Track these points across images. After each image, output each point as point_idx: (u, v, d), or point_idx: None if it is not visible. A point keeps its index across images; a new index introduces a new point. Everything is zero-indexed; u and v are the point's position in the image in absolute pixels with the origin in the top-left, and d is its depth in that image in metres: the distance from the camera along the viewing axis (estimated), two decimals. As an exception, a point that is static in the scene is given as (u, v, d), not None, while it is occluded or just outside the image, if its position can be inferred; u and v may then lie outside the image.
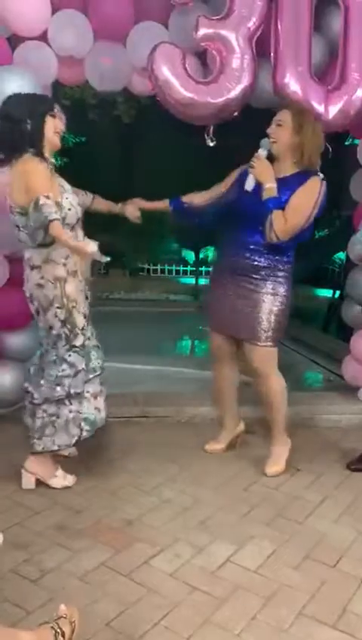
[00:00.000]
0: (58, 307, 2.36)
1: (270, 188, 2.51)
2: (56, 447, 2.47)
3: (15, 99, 2.33)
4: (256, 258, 2.63)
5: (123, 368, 4.21)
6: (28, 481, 2.52)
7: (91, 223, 2.60)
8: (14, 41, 2.83)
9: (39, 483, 2.53)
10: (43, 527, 2.24)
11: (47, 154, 2.36)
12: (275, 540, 2.26)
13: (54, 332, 2.40)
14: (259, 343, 2.68)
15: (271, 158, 2.57)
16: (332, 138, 2.94)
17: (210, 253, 8.07)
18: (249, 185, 2.56)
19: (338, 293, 6.66)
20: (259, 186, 2.54)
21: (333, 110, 2.82)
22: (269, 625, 1.79)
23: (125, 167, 7.98)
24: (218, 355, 2.89)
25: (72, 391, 2.42)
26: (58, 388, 2.41)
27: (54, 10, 2.80)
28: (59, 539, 2.17)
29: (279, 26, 2.77)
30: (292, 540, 2.27)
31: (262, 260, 2.62)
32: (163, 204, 2.83)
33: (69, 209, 2.33)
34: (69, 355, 2.41)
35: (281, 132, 2.53)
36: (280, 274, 2.66)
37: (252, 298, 2.65)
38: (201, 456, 2.94)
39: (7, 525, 2.18)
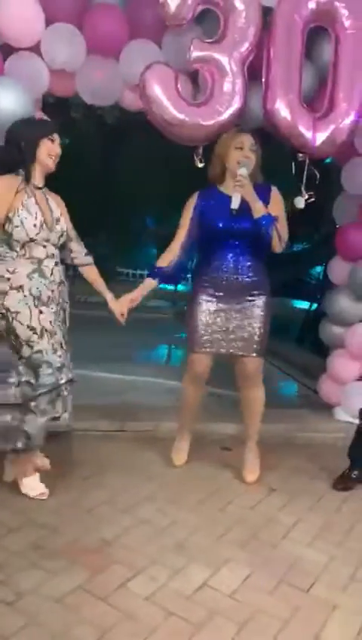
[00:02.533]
0: (1, 318, 2.47)
1: (261, 206, 2.65)
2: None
3: (17, 123, 2.49)
4: (252, 275, 2.78)
5: (101, 377, 4.22)
6: (8, 475, 2.63)
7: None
8: (5, 50, 2.81)
9: (17, 500, 2.52)
10: (18, 547, 2.22)
11: (36, 176, 2.49)
12: (250, 563, 2.29)
13: (9, 341, 2.50)
14: (255, 355, 2.82)
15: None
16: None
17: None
18: (235, 204, 2.64)
19: (314, 305, 6.77)
20: (245, 202, 2.63)
21: (321, 137, 2.87)
22: (244, 653, 1.82)
23: (108, 168, 7.95)
24: (201, 377, 2.90)
25: (11, 399, 2.45)
26: (6, 392, 2.45)
27: (48, 23, 2.79)
28: (35, 559, 2.16)
29: (271, 53, 2.80)
30: (267, 564, 2.30)
31: (256, 276, 2.79)
32: (149, 284, 2.83)
33: (17, 226, 2.41)
34: (18, 365, 2.47)
35: (254, 155, 2.70)
36: (266, 286, 2.84)
37: (251, 314, 2.80)
38: (178, 474, 2.96)
39: (-17, 544, 2.17)
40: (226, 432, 3.33)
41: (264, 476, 3.00)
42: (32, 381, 2.45)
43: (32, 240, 2.45)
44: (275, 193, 2.76)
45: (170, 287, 8.23)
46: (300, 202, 2.95)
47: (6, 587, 1.99)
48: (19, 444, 2.47)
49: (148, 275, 2.87)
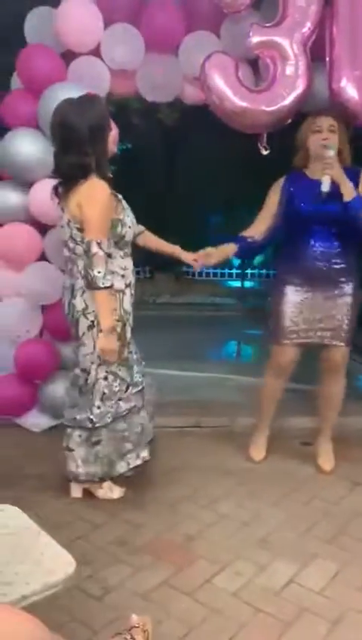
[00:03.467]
0: (117, 320, 2.35)
1: (351, 189, 2.54)
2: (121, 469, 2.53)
3: (72, 116, 2.23)
4: (340, 262, 2.68)
5: (173, 375, 4.22)
6: (76, 490, 2.56)
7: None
8: (68, 56, 2.86)
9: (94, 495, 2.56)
10: (104, 543, 2.25)
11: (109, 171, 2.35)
12: (338, 559, 2.20)
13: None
14: (343, 344, 2.76)
15: None
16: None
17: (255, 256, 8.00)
18: (325, 186, 2.53)
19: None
20: (334, 186, 2.53)
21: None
22: (339, 651, 1.75)
23: (170, 171, 7.98)
24: (286, 370, 2.84)
25: (133, 404, 2.48)
26: (118, 404, 2.46)
27: (106, 24, 2.82)
28: (121, 555, 2.18)
29: (334, 30, 2.70)
30: (356, 560, 2.20)
31: (345, 263, 2.69)
32: (231, 247, 2.73)
33: (129, 227, 2.37)
34: (119, 370, 2.43)
35: (334, 137, 2.61)
36: (353, 275, 2.74)
37: (340, 302, 2.72)
38: (258, 469, 2.91)
39: (71, 539, 2.19)
40: (306, 426, 3.23)
41: (347, 470, 2.89)
42: (129, 380, 2.47)
43: (134, 236, 2.44)
44: None
45: (238, 283, 8.16)
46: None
47: (94, 582, 2.02)
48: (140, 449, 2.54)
49: (232, 240, 2.75)
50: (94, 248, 2.21)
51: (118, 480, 2.59)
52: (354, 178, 2.59)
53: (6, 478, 2.60)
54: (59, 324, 2.84)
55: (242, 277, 8.17)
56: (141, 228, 2.60)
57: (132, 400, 2.49)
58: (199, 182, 7.50)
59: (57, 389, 3.07)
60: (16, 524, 1.48)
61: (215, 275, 8.30)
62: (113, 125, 2.37)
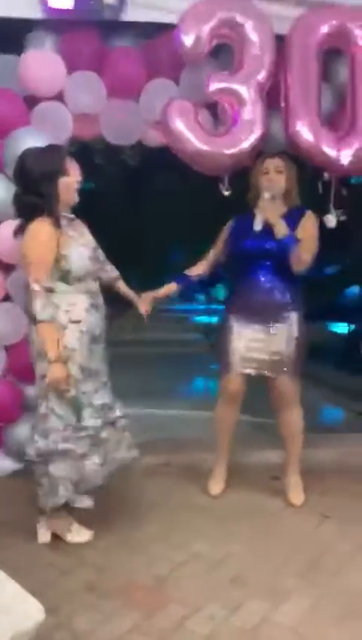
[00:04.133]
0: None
1: (283, 228, 2.70)
2: (50, 505, 2.45)
3: (26, 163, 2.37)
4: (281, 296, 2.80)
5: (141, 413, 4.19)
6: (43, 535, 2.51)
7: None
8: (32, 101, 2.92)
9: (61, 540, 2.50)
10: (73, 589, 2.19)
11: (62, 212, 2.41)
12: (311, 594, 2.19)
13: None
14: (288, 375, 2.82)
15: None
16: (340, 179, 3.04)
17: (220, 291, 8.10)
18: (258, 225, 2.72)
19: (352, 327, 6.66)
20: (266, 226, 2.71)
21: (346, 156, 2.86)
22: None
23: (134, 210, 8.09)
24: (235, 398, 2.91)
25: (60, 447, 2.39)
26: (42, 441, 2.40)
27: (69, 71, 2.90)
28: (90, 600, 2.12)
29: (288, 78, 2.84)
30: (329, 594, 2.20)
31: (287, 296, 2.81)
32: (171, 287, 2.95)
33: (75, 262, 2.38)
34: (59, 408, 2.39)
35: (280, 177, 2.79)
36: (297, 307, 2.84)
37: (286, 334, 2.80)
38: (227, 506, 2.89)
39: (39, 586, 2.11)
40: (275, 460, 3.24)
41: (317, 503, 2.91)
42: (74, 423, 2.40)
43: (87, 273, 2.42)
44: (307, 216, 2.80)
45: (205, 319, 8.22)
46: (331, 221, 2.92)
47: (64, 630, 1.96)
48: (68, 494, 2.42)
49: (175, 281, 2.98)
50: (31, 284, 2.32)
51: (86, 523, 2.54)
52: (297, 217, 2.77)
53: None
54: (22, 365, 2.81)
55: (208, 313, 8.25)
56: (114, 274, 2.72)
57: (71, 442, 2.39)
58: (162, 220, 7.63)
59: (22, 431, 3.00)
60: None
61: (180, 311, 8.36)
62: (74, 171, 2.44)
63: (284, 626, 2.02)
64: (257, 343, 2.81)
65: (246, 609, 2.10)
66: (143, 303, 2.82)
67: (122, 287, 2.79)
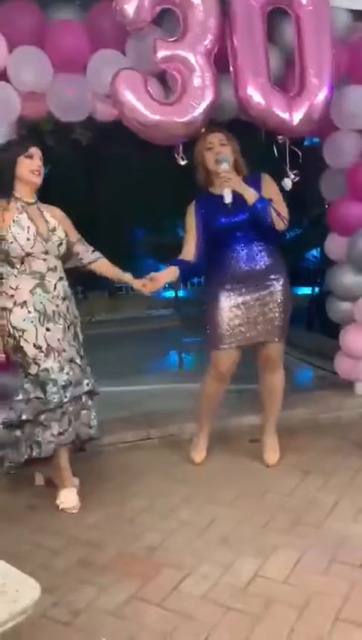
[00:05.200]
0: (8, 335, 2.51)
1: (253, 193, 2.71)
2: (7, 464, 2.61)
3: None
4: (267, 260, 2.81)
5: (118, 391, 4.21)
6: (39, 479, 2.81)
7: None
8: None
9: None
10: (66, 567, 2.21)
11: (22, 193, 2.54)
12: (298, 547, 2.27)
13: (16, 359, 2.55)
14: (279, 339, 2.87)
15: None
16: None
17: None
18: (228, 198, 2.69)
19: (317, 289, 6.74)
20: (237, 197, 2.69)
21: (298, 116, 2.87)
22: (309, 636, 1.79)
23: (91, 190, 7.97)
24: (226, 374, 2.90)
25: (24, 416, 2.51)
26: (11, 412, 2.54)
27: (11, 48, 2.81)
28: (85, 576, 2.15)
29: (234, 42, 2.81)
30: (315, 545, 2.28)
31: (270, 261, 2.82)
32: (172, 270, 2.79)
33: (11, 242, 2.46)
34: (25, 382, 2.51)
35: (226, 149, 2.79)
36: (280, 271, 2.86)
37: (273, 300, 2.82)
38: (210, 472, 2.95)
39: (31, 569, 2.12)
40: (252, 424, 3.31)
41: (296, 460, 2.99)
42: (41, 396, 2.49)
43: (28, 254, 2.48)
44: (266, 178, 2.83)
45: (172, 294, 8.23)
46: (288, 183, 2.94)
47: (61, 608, 1.98)
48: (34, 454, 2.52)
49: (174, 264, 2.81)
50: None
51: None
52: (255, 182, 2.77)
53: None
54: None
55: (174, 286, 8.25)
56: (95, 256, 2.74)
57: (29, 414, 2.50)
58: (121, 197, 7.55)
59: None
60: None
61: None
62: (36, 155, 2.56)
63: (275, 579, 2.09)
64: (247, 314, 2.80)
65: (237, 567, 2.16)
66: (148, 285, 2.71)
67: (106, 269, 2.77)
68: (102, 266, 2.77)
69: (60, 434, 2.54)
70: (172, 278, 2.82)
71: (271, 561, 2.19)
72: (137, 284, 2.75)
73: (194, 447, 3.06)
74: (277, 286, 2.82)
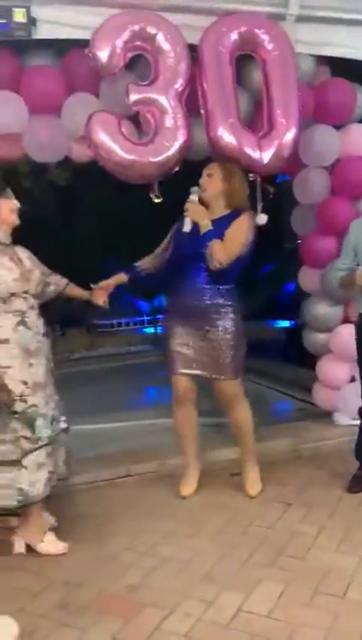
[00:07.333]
0: None
1: (206, 224, 2.74)
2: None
3: None
4: (205, 297, 2.82)
5: (97, 429, 4.17)
6: (19, 546, 2.54)
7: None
8: None
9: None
10: (45, 609, 2.15)
11: (1, 236, 2.55)
12: (281, 580, 2.25)
13: None
14: (225, 377, 2.85)
15: (201, 203, 2.80)
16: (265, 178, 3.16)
17: (163, 300, 8.15)
18: (186, 227, 2.76)
19: (293, 322, 6.83)
20: (195, 227, 2.75)
21: (268, 155, 2.98)
22: (293, 669, 1.77)
23: (68, 231, 8.05)
24: (184, 397, 2.95)
25: (9, 457, 2.45)
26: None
27: (-14, 93, 2.89)
28: (64, 618, 2.09)
29: (205, 85, 2.93)
30: (298, 577, 2.26)
31: (216, 299, 2.82)
32: (121, 277, 2.95)
33: None
34: (11, 421, 2.46)
35: (211, 182, 2.82)
36: (229, 309, 2.84)
37: (210, 337, 2.82)
38: (191, 507, 2.92)
39: (9, 612, 2.07)
40: (231, 457, 3.30)
41: (277, 493, 2.99)
42: (29, 435, 2.44)
43: (12, 294, 2.49)
44: (239, 219, 2.76)
45: (151, 330, 8.25)
46: (262, 219, 3.01)
47: (39, 652, 1.92)
48: (15, 502, 2.44)
49: (124, 271, 2.97)
50: None
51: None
52: (229, 219, 2.76)
53: None
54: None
55: (154, 323, 8.28)
56: (65, 281, 2.81)
57: (15, 454, 2.44)
58: (99, 234, 7.64)
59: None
60: None
61: (127, 324, 8.35)
62: (11, 196, 2.57)
63: (259, 613, 2.06)
64: (193, 345, 2.85)
65: (220, 603, 2.13)
66: (99, 296, 2.88)
67: (74, 290, 2.86)
68: (73, 289, 2.87)
69: (51, 473, 2.50)
70: (120, 282, 2.94)
71: (254, 595, 2.17)
72: (95, 299, 2.87)
73: (183, 480, 3.05)
74: (222, 326, 2.80)
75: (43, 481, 2.46)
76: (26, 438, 2.44)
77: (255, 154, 2.98)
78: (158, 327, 8.29)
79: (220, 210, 2.82)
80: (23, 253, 2.67)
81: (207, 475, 3.13)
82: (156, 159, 2.88)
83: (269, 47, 3.01)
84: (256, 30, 2.99)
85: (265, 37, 3.00)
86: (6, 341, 2.47)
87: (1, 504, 2.45)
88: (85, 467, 3.07)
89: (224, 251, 2.70)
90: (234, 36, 2.97)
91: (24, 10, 2.83)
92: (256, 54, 3.05)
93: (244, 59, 3.07)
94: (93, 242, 7.73)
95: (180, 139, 2.91)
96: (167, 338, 2.93)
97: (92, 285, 2.92)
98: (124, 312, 8.28)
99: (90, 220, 7.80)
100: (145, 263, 2.98)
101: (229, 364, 2.84)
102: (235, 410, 2.94)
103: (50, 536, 2.53)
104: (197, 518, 2.78)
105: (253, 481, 3.00)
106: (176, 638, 1.96)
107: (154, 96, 2.87)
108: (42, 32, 2.90)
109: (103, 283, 2.90)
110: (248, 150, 2.96)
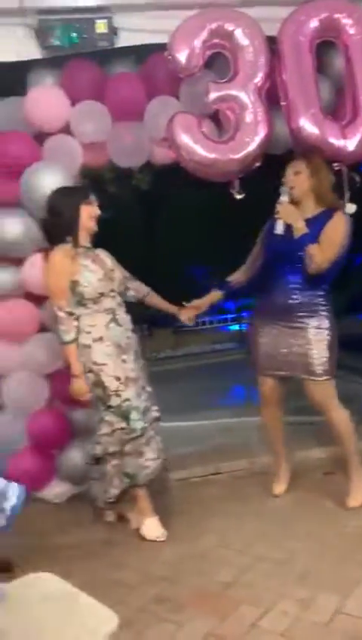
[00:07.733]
0: (88, 372, 2.60)
1: (301, 227, 2.67)
2: (109, 498, 2.68)
3: (54, 193, 2.67)
4: (297, 297, 2.76)
5: (187, 426, 4.22)
6: (110, 516, 2.81)
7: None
8: (41, 137, 3.03)
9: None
10: (142, 603, 2.21)
11: (82, 240, 2.66)
12: (381, 582, 2.17)
13: (94, 394, 2.63)
14: (316, 378, 2.75)
15: (291, 202, 2.74)
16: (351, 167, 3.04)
17: (248, 298, 8.09)
18: (279, 229, 2.71)
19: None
20: (288, 228, 2.70)
21: (353, 143, 2.88)
22: None
23: (153, 234, 8.20)
24: (270, 398, 2.92)
25: (110, 449, 2.60)
26: (98, 447, 2.63)
27: (73, 103, 3.00)
28: (162, 613, 2.14)
29: (284, 76, 2.88)
30: None
31: (302, 297, 2.76)
32: (216, 295, 2.98)
33: (86, 286, 2.59)
34: (106, 416, 2.59)
35: (299, 179, 2.74)
36: (322, 308, 2.77)
37: (301, 336, 2.75)
38: (285, 505, 2.88)
39: (109, 605, 2.15)
40: (325, 456, 3.23)
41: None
42: (125, 426, 2.58)
43: (101, 294, 2.61)
44: (335, 218, 2.69)
45: (236, 327, 8.23)
46: (351, 208, 2.90)
47: (139, 644, 1.97)
48: (124, 485, 2.61)
49: (218, 288, 3.00)
50: (55, 310, 2.60)
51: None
52: (323, 219, 2.69)
53: (37, 550, 2.55)
54: (67, 391, 2.86)
55: (239, 321, 8.25)
56: (146, 289, 2.89)
57: (120, 445, 2.60)
58: (182, 238, 7.72)
59: (74, 456, 3.06)
60: (56, 588, 1.49)
61: (211, 322, 8.37)
62: (94, 203, 2.69)
63: (358, 615, 2.00)
64: (281, 345, 2.78)
65: (317, 603, 2.09)
66: (188, 313, 2.94)
67: (154, 299, 2.92)
68: (154, 299, 2.93)
69: (153, 459, 2.64)
70: (214, 302, 2.97)
71: (352, 596, 2.11)
72: (182, 316, 2.92)
73: (274, 480, 3.04)
74: (312, 323, 2.73)
75: (146, 466, 2.61)
76: (122, 429, 2.58)
77: (339, 142, 2.88)
78: (243, 325, 8.25)
79: (311, 208, 2.75)
80: (103, 255, 2.77)
81: (300, 474, 3.09)
82: (237, 156, 2.87)
83: (352, 31, 2.90)
84: (337, 15, 2.89)
85: (346, 21, 2.90)
86: (101, 339, 2.60)
87: (113, 492, 2.64)
88: (176, 464, 3.11)
89: (322, 255, 2.64)
90: (314, 23, 2.88)
91: (105, 21, 2.92)
92: (338, 40, 2.94)
93: (324, 46, 2.99)
94: (177, 243, 7.83)
95: (261, 133, 2.87)
96: (253, 337, 2.90)
97: (184, 303, 2.95)
98: (208, 311, 8.33)
99: (173, 223, 7.90)
100: (237, 277, 3.00)
101: (319, 365, 2.73)
102: (329, 413, 2.80)
103: (153, 521, 2.65)
104: (290, 517, 2.75)
105: (356, 491, 2.81)
106: (273, 636, 1.94)
107: (234, 92, 2.85)
108: (123, 41, 2.97)
109: (197, 302, 2.94)
110: (332, 139, 2.87)
